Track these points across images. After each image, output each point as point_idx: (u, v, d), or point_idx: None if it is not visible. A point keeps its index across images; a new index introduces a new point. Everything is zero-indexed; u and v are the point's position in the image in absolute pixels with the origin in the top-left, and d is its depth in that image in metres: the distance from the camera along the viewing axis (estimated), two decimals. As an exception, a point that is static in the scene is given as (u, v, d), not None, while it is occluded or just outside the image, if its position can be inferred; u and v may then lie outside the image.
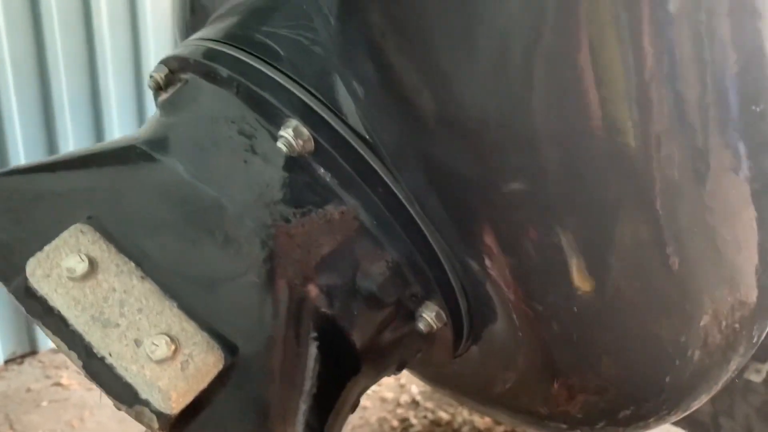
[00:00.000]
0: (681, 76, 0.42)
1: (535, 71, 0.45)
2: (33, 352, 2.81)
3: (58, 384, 2.62)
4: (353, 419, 2.48)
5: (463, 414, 2.48)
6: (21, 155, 2.55)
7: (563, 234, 0.55)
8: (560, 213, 0.54)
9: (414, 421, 2.46)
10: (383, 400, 2.58)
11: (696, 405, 0.70)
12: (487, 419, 2.50)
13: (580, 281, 0.57)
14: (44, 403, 2.50)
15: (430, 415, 2.49)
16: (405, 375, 2.74)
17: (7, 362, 2.76)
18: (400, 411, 2.52)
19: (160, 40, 2.80)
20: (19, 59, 2.49)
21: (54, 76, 2.55)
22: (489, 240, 0.58)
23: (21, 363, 2.76)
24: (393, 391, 2.63)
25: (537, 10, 0.42)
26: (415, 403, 2.57)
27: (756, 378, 1.57)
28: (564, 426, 0.75)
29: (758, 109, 0.45)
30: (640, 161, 0.48)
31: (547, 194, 0.53)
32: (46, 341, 2.83)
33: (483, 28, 0.43)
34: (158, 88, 0.69)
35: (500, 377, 0.75)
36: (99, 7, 2.61)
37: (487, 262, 0.60)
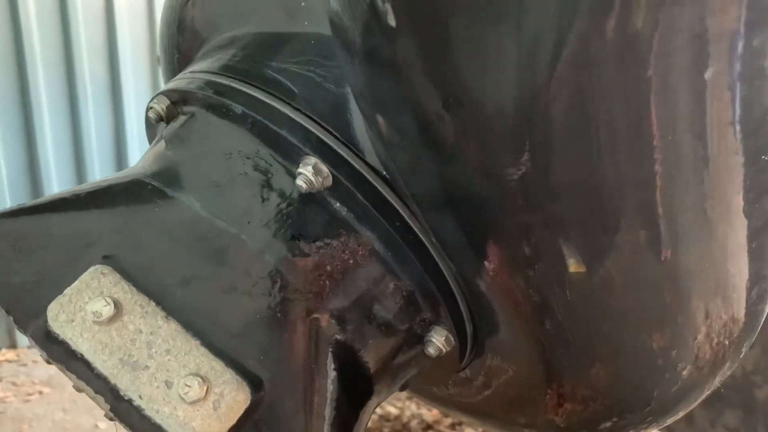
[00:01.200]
0: (706, 130, 0.45)
1: (558, 109, 0.48)
2: (-37, 365, 2.71)
3: None
4: None
5: (412, 408, 2.51)
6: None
7: (568, 249, 0.57)
8: (569, 231, 0.56)
9: None
10: (331, 398, 2.63)
11: (674, 419, 0.73)
12: (435, 412, 2.53)
13: (583, 292, 0.59)
14: None
15: (378, 410, 2.47)
16: None
17: (-65, 377, 2.64)
18: None
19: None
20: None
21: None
22: (501, 258, 0.60)
23: (-48, 377, 2.66)
24: (339, 389, 2.68)
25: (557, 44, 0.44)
26: None
27: None
28: None
29: (766, 158, 0.49)
30: (659, 203, 0.51)
31: (557, 215, 0.55)
32: None
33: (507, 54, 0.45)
34: (159, 120, 0.69)
35: (491, 386, 0.78)
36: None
37: (498, 279, 0.62)
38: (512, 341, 0.68)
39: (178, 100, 0.68)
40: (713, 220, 0.53)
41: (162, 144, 0.68)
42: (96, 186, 0.64)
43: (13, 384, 2.61)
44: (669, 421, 0.74)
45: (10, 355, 2.78)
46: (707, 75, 0.41)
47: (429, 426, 2.46)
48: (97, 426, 2.36)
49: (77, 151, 2.75)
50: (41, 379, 2.62)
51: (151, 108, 0.69)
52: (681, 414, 0.73)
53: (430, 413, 2.51)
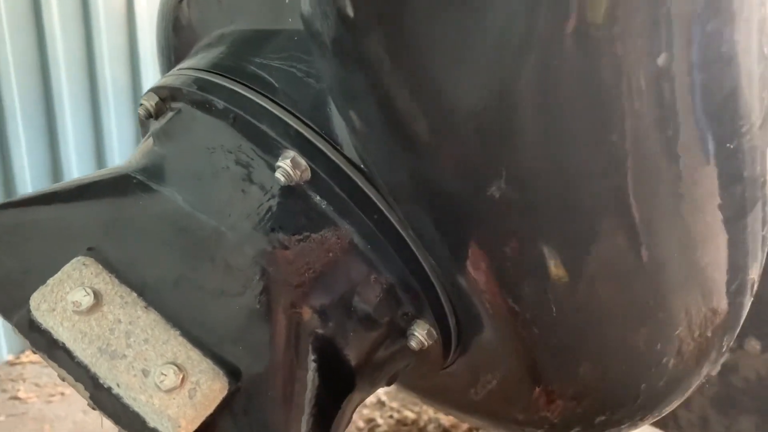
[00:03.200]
0: (666, 117, 0.45)
1: (524, 100, 0.48)
2: (-12, 365, 2.77)
3: (16, 398, 2.57)
4: None
5: (429, 413, 2.51)
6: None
7: (546, 246, 0.57)
8: (544, 227, 0.57)
9: (380, 420, 2.49)
10: (348, 401, 2.65)
11: (668, 410, 0.73)
12: (452, 417, 2.54)
13: (563, 291, 0.59)
14: (1, 418, 2.46)
15: (396, 415, 2.51)
16: None
17: (-40, 376, 2.71)
18: (366, 411, 2.54)
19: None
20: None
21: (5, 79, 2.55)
22: (478, 255, 0.60)
23: (-25, 377, 2.72)
24: (357, 393, 2.69)
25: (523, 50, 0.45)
26: (380, 403, 2.59)
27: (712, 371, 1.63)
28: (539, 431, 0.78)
29: (732, 146, 0.48)
30: (629, 194, 0.51)
31: (531, 209, 0.56)
32: (1, 354, 2.78)
33: (477, 55, 0.46)
34: (148, 116, 0.70)
35: (481, 384, 0.78)
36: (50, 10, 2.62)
37: (476, 276, 0.62)
38: (495, 340, 0.69)
39: (167, 97, 0.69)
40: (686, 213, 0.53)
41: (150, 140, 0.69)
42: (85, 180, 0.66)
43: (36, 385, 2.66)
44: (663, 412, 0.74)
45: (34, 357, 2.84)
46: (660, 61, 0.41)
47: (446, 430, 2.46)
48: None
49: (99, 154, 2.81)
50: (63, 382, 2.68)
51: (141, 105, 0.70)
52: (674, 404, 0.72)
53: (447, 418, 2.52)
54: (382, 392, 2.64)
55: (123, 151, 2.84)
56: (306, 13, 0.53)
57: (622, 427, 0.74)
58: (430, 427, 2.44)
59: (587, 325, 0.63)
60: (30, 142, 2.61)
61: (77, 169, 2.72)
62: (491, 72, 0.47)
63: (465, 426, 2.47)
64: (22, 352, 2.83)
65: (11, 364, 2.76)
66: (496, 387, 0.76)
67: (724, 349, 0.67)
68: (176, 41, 0.83)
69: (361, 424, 2.46)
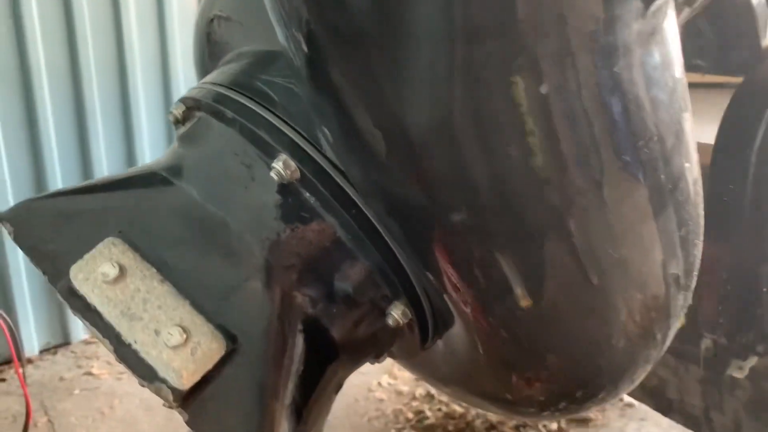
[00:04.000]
0: (579, 126, 0.54)
1: (466, 137, 0.57)
2: (66, 343, 2.92)
3: (90, 373, 2.74)
4: (370, 411, 2.54)
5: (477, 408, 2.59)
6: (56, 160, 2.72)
7: (501, 257, 0.66)
8: (497, 240, 0.65)
9: (429, 413, 2.53)
10: (399, 393, 2.66)
11: (635, 379, 0.80)
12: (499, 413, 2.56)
13: (522, 297, 0.67)
14: (76, 392, 2.62)
15: (444, 408, 2.55)
16: None
17: (41, 352, 2.87)
18: (415, 404, 2.59)
19: (186, 44, 2.95)
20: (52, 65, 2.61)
21: (86, 82, 2.69)
22: (440, 260, 0.69)
23: (55, 353, 2.88)
24: (408, 385, 2.69)
25: (450, 80, 0.54)
26: (430, 396, 2.63)
27: (739, 375, 1.63)
28: (533, 409, 0.86)
29: (640, 143, 0.57)
30: (558, 207, 0.60)
31: (483, 225, 0.64)
32: (78, 333, 2.96)
33: (414, 90, 0.56)
34: (177, 122, 0.84)
35: (467, 370, 0.87)
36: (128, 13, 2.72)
37: (441, 278, 0.71)
38: (465, 331, 0.78)
39: (192, 106, 0.82)
40: (610, 216, 0.61)
41: (177, 142, 0.83)
42: (121, 175, 0.80)
43: (108, 363, 2.85)
44: (629, 385, 0.81)
45: (106, 337, 3.03)
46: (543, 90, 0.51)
47: (493, 426, 2.48)
48: (178, 405, 2.55)
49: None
50: (132, 360, 2.86)
51: (171, 113, 0.83)
52: (636, 376, 0.80)
53: (495, 414, 2.56)
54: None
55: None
56: (282, 43, 0.64)
57: (599, 396, 0.81)
58: (477, 422, 2.48)
59: (547, 324, 0.72)
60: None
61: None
62: (431, 101, 0.57)
63: (512, 422, 2.51)
64: (97, 332, 3.03)
65: (86, 342, 2.96)
66: (479, 373, 0.85)
67: (670, 327, 0.75)
68: (209, 54, 0.96)
69: (410, 415, 2.51)
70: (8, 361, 2.81)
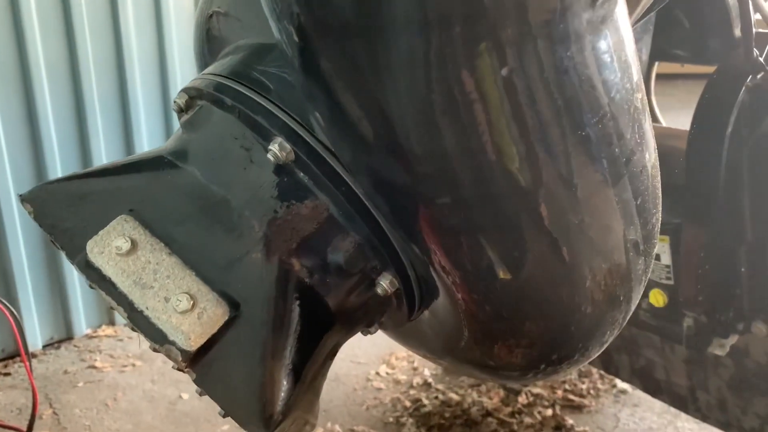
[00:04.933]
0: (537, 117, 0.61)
1: (440, 117, 0.64)
2: (69, 337, 2.99)
3: (93, 367, 2.81)
4: (368, 400, 2.60)
5: (473, 395, 2.62)
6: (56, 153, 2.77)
7: (482, 236, 0.73)
8: (477, 222, 0.72)
9: (426, 401, 2.59)
10: (397, 381, 2.72)
11: (604, 342, 0.87)
12: (495, 400, 2.58)
13: (503, 274, 0.75)
14: (80, 384, 2.69)
15: (441, 396, 2.62)
16: (418, 359, 2.86)
17: (45, 347, 2.92)
18: (412, 392, 2.65)
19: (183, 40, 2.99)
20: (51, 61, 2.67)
21: (85, 77, 2.76)
22: (425, 238, 0.76)
23: (58, 347, 2.94)
24: (406, 374, 2.76)
25: (430, 74, 0.61)
26: (427, 385, 2.70)
27: (720, 352, 1.67)
28: (515, 373, 0.94)
29: (594, 119, 0.64)
30: (526, 182, 0.67)
31: (464, 209, 0.70)
32: (80, 328, 3.01)
33: (391, 76, 0.63)
34: (180, 111, 0.91)
35: (454, 340, 0.94)
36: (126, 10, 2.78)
37: (425, 250, 0.78)
38: (449, 303, 0.85)
39: (194, 95, 0.89)
40: (573, 175, 0.68)
41: (180, 129, 0.90)
42: (130, 159, 0.87)
43: (111, 356, 2.91)
44: (598, 347, 0.88)
45: (109, 331, 3.09)
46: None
47: (488, 413, 2.53)
48: (180, 397, 2.61)
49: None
50: (135, 354, 2.92)
51: (175, 102, 0.91)
52: (603, 339, 0.87)
53: (491, 401, 2.59)
54: (428, 375, 2.74)
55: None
56: (275, 35, 0.71)
57: (573, 358, 0.88)
58: (474, 409, 2.55)
59: (525, 296, 0.79)
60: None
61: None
62: (397, 88, 0.63)
63: (508, 409, 2.56)
64: (99, 326, 3.09)
65: (89, 337, 3.02)
66: (464, 342, 0.92)
67: (633, 293, 0.82)
68: (208, 48, 1.03)
69: (407, 404, 2.58)
70: (12, 356, 2.86)
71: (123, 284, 0.75)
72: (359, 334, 0.95)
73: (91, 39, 2.72)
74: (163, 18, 2.92)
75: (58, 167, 2.74)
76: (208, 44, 1.03)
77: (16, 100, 2.62)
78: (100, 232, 0.77)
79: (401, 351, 2.91)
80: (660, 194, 0.79)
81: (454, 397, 2.63)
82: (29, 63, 2.59)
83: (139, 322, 0.75)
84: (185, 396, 2.60)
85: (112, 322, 3.12)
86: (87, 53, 2.72)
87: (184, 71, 3.02)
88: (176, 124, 2.76)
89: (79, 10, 2.67)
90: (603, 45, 0.62)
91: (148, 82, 2.95)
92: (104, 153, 2.86)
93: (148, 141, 2.98)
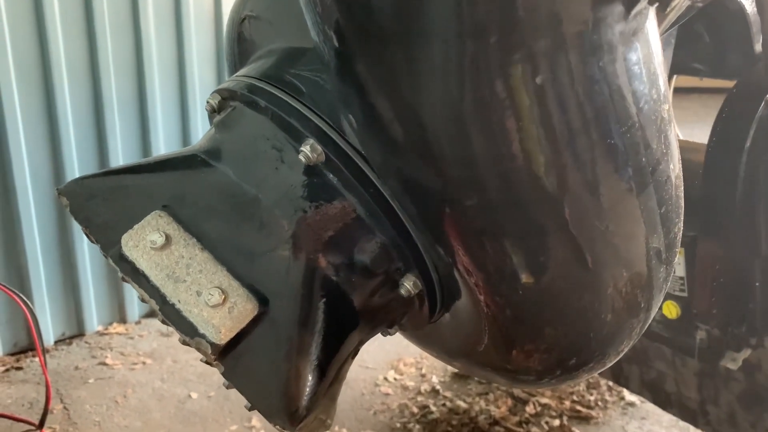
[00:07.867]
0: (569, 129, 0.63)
1: (472, 123, 0.65)
2: (80, 334, 3.03)
3: (103, 363, 2.84)
4: (375, 405, 2.61)
5: (480, 403, 2.64)
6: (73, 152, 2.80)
7: (507, 240, 0.74)
8: (503, 226, 0.73)
9: (433, 408, 2.61)
10: (405, 388, 2.74)
11: (621, 350, 0.88)
12: (503, 409, 2.59)
13: (526, 278, 0.76)
14: (91, 381, 2.72)
15: (448, 404, 2.64)
16: (426, 365, 2.87)
17: (56, 342, 2.96)
18: (420, 399, 2.67)
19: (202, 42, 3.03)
20: (72, 62, 2.71)
21: (104, 78, 2.80)
22: (451, 240, 0.78)
23: (69, 343, 2.98)
24: (414, 381, 2.78)
25: (462, 80, 0.62)
26: (434, 392, 2.72)
27: (732, 366, 1.67)
28: (531, 377, 0.94)
29: (623, 129, 0.65)
30: (553, 188, 0.68)
31: (491, 212, 0.72)
32: (92, 324, 3.04)
33: (427, 82, 0.64)
34: (213, 111, 0.93)
35: (472, 343, 0.95)
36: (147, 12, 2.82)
37: (451, 253, 0.79)
38: (471, 306, 0.86)
39: (227, 97, 0.91)
40: (600, 183, 0.69)
41: (213, 129, 0.92)
42: (164, 156, 0.89)
43: (122, 354, 2.93)
44: (615, 355, 0.89)
45: (120, 328, 3.12)
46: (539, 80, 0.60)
47: (496, 422, 2.54)
48: (189, 396, 2.63)
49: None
50: (145, 352, 2.94)
51: (207, 102, 0.93)
52: (622, 347, 0.88)
53: (499, 410, 2.60)
54: (436, 382, 2.77)
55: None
56: (314, 39, 0.73)
57: (589, 365, 0.89)
58: (481, 417, 2.56)
59: (546, 302, 0.80)
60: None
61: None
62: (446, 97, 0.65)
63: (515, 418, 2.57)
64: (110, 324, 3.12)
65: (100, 334, 3.05)
66: (483, 346, 0.93)
67: (653, 301, 0.83)
68: (239, 51, 1.06)
69: (415, 410, 2.60)
70: (24, 351, 2.89)
71: (156, 277, 0.77)
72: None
73: (111, 40, 2.76)
74: (183, 21, 2.97)
75: (75, 166, 2.78)
76: (239, 47, 1.06)
77: (37, 99, 2.67)
78: (135, 227, 0.79)
79: (409, 357, 2.93)
80: (682, 204, 0.81)
81: (462, 404, 2.65)
82: (51, 63, 2.63)
83: (171, 314, 0.76)
84: (194, 395, 2.62)
85: (123, 320, 3.14)
86: (107, 54, 2.77)
87: (202, 74, 3.06)
88: (193, 126, 2.82)
89: (101, 11, 2.71)
90: (634, 56, 0.63)
91: (167, 83, 3.00)
92: (121, 153, 2.89)
93: (164, 142, 3.02)
